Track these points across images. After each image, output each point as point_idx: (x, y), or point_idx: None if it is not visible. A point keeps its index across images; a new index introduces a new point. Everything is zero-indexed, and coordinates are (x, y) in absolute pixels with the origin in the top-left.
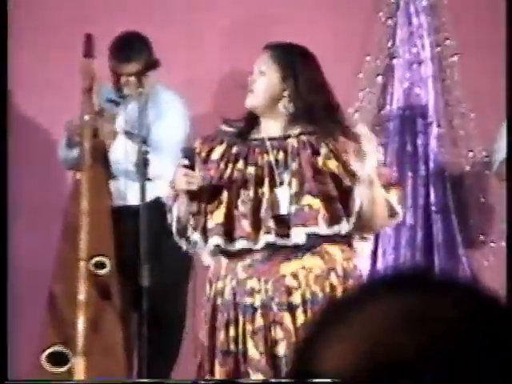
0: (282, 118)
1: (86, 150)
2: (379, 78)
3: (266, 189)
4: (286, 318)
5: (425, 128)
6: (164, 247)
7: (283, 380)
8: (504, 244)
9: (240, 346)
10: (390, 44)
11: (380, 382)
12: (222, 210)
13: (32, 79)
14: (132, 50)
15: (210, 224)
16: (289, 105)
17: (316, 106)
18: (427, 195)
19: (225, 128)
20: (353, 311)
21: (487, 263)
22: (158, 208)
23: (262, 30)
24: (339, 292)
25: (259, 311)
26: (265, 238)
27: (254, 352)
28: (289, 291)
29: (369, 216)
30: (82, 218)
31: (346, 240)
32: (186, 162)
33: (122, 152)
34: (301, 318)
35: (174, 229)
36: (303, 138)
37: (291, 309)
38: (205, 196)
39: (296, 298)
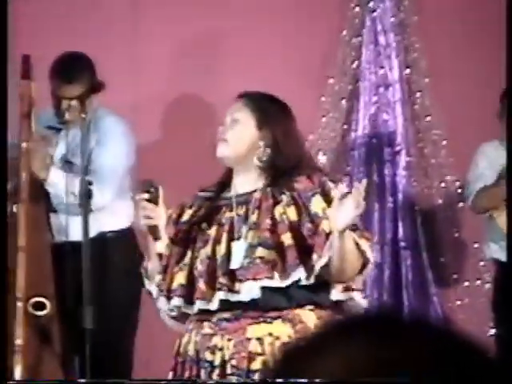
0: (254, 169)
1: (24, 181)
2: (343, 103)
3: (223, 245)
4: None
5: (393, 157)
6: (108, 287)
7: (281, 380)
8: (479, 282)
9: None
10: (354, 65)
11: None
12: (185, 271)
13: None
14: (74, 70)
15: (173, 285)
16: (263, 155)
17: (290, 156)
18: (395, 230)
19: (201, 194)
20: (321, 352)
21: (460, 303)
22: (101, 244)
23: (212, 51)
24: None
25: (217, 371)
26: (217, 296)
27: None
28: (250, 356)
29: (340, 268)
30: (19, 254)
31: (321, 297)
32: (145, 196)
33: (60, 185)
34: None
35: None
36: (267, 189)
37: (247, 375)
38: (172, 257)
39: (256, 365)
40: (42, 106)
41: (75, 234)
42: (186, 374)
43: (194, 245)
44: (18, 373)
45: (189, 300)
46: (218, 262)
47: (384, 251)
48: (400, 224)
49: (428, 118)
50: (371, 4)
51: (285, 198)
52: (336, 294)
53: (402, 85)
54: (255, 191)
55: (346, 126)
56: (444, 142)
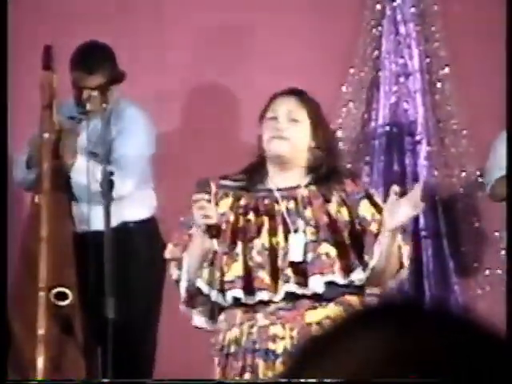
0: (298, 168)
1: (46, 171)
2: (364, 92)
3: (280, 238)
4: None
5: (413, 146)
6: (131, 276)
7: (282, 380)
8: (500, 272)
9: None
10: (375, 55)
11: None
12: (240, 261)
13: None
14: (95, 60)
15: (228, 277)
16: (312, 156)
17: (336, 158)
18: (416, 219)
19: (225, 183)
20: (340, 343)
21: (481, 292)
22: (123, 234)
23: (235, 42)
24: None
25: (280, 358)
26: (284, 288)
27: None
28: None
29: (382, 268)
30: (41, 244)
31: (361, 291)
32: (205, 196)
33: (84, 173)
34: None
35: (182, 291)
36: (312, 187)
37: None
38: (220, 247)
39: None
40: (64, 97)
41: (97, 223)
42: (240, 364)
43: (243, 235)
44: (40, 363)
45: (249, 291)
46: (280, 253)
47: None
48: (421, 213)
49: (448, 108)
50: None
51: (334, 198)
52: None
53: (423, 74)
54: (298, 187)
55: (366, 116)
56: (464, 132)
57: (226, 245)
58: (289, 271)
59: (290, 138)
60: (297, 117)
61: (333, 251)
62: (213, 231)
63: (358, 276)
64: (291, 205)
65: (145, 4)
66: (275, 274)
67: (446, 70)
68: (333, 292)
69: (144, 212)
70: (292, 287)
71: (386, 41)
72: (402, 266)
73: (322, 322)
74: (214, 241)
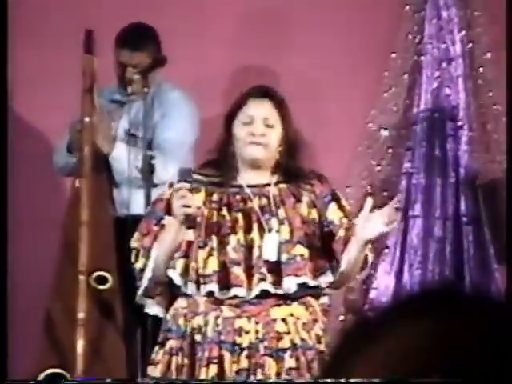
0: (266, 167)
1: (86, 155)
2: (405, 77)
3: (255, 235)
4: (269, 363)
5: (455, 131)
6: None
7: (282, 380)
8: None
9: None
10: (417, 40)
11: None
12: (215, 256)
13: (32, 78)
14: (140, 39)
15: (204, 270)
16: (280, 158)
17: (299, 157)
18: (457, 205)
19: (197, 177)
20: (382, 329)
21: None
22: None
23: (276, 26)
24: (324, 343)
25: (245, 352)
26: (260, 286)
27: None
28: (278, 336)
29: (347, 273)
30: (81, 229)
31: (321, 292)
32: (187, 185)
33: (123, 159)
34: (289, 362)
35: (145, 281)
36: (282, 186)
37: (278, 354)
38: (196, 240)
39: (285, 343)
40: (105, 83)
41: (138, 207)
42: (206, 355)
43: (218, 230)
44: (79, 347)
45: (224, 286)
46: (255, 252)
47: (446, 226)
48: (462, 199)
49: (490, 93)
50: None
51: (305, 199)
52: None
53: (465, 59)
54: (268, 185)
55: (408, 101)
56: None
57: (202, 239)
58: (264, 270)
59: (266, 143)
60: (272, 122)
61: (306, 253)
62: (190, 221)
63: (327, 279)
64: (263, 202)
65: None
66: (250, 271)
67: (489, 55)
68: (300, 292)
69: None
70: (267, 286)
71: (428, 26)
72: (363, 268)
73: (286, 319)
74: (190, 231)
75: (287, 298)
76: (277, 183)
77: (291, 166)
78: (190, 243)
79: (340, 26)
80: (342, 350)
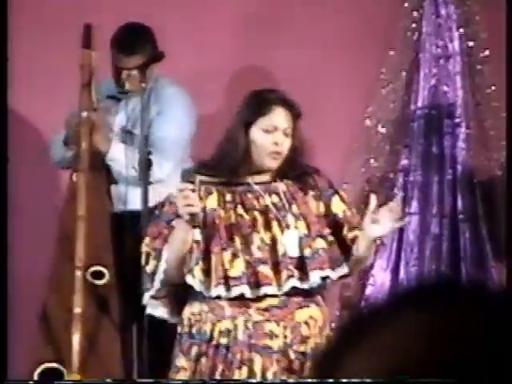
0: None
1: (84, 150)
2: (403, 74)
3: (275, 233)
4: (297, 365)
5: (452, 129)
6: None
7: (282, 380)
8: None
9: None
10: (415, 37)
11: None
12: (241, 257)
13: (30, 73)
14: (135, 43)
15: (233, 272)
16: (284, 163)
17: (303, 155)
18: (454, 202)
19: (205, 179)
20: (377, 325)
21: None
22: None
23: (274, 23)
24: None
25: (274, 356)
26: (289, 283)
27: None
28: (303, 340)
29: (358, 264)
30: (78, 223)
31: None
32: (190, 186)
33: (120, 159)
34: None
35: (157, 283)
36: (288, 182)
37: (304, 357)
38: (213, 244)
39: (308, 347)
40: (103, 76)
41: (134, 203)
42: (238, 357)
43: (239, 231)
44: (76, 342)
45: (253, 286)
46: (280, 249)
47: (442, 223)
48: (459, 196)
49: (488, 91)
50: None
51: (311, 193)
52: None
53: (463, 57)
54: (273, 181)
55: (405, 98)
56: (503, 115)
57: (224, 240)
58: (291, 266)
59: (282, 152)
60: (288, 132)
61: (326, 246)
62: (195, 220)
63: (343, 270)
64: (275, 199)
65: None
66: (277, 268)
67: (487, 52)
68: (319, 287)
69: None
70: (295, 282)
71: (426, 23)
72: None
73: (308, 322)
74: (197, 231)
75: (308, 296)
76: (282, 179)
77: (294, 163)
78: (205, 247)
79: (338, 22)
80: (336, 346)
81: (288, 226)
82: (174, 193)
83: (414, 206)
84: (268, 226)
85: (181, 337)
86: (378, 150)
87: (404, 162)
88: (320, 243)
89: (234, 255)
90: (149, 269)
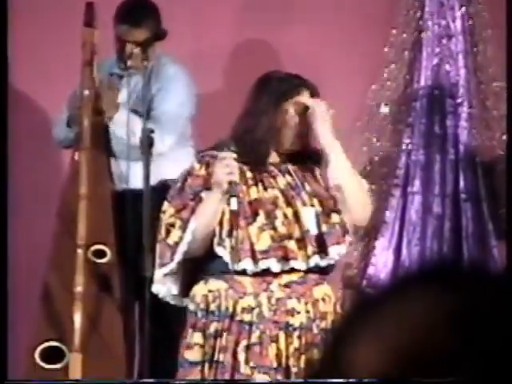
0: None
1: (86, 127)
2: (406, 53)
3: (299, 209)
4: (320, 340)
5: (455, 108)
6: None
7: (283, 380)
8: None
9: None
10: (418, 16)
11: (412, 380)
12: (267, 232)
13: (31, 51)
14: (140, 15)
15: (260, 246)
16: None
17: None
18: (456, 182)
19: (231, 154)
20: (384, 308)
21: None
22: (162, 192)
23: (276, 1)
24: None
25: (297, 333)
26: (314, 258)
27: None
28: (322, 316)
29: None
30: (80, 202)
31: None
32: (233, 155)
33: (124, 126)
34: None
35: (179, 255)
36: (296, 162)
37: (325, 333)
38: (240, 217)
39: (328, 323)
40: (105, 55)
41: (136, 181)
42: (267, 333)
43: (263, 206)
44: (77, 320)
45: (280, 260)
46: (303, 225)
47: (445, 203)
48: (461, 176)
49: (490, 70)
50: None
51: (318, 170)
52: None
53: (465, 36)
54: (282, 162)
55: (408, 77)
56: (505, 94)
57: (249, 214)
58: (314, 242)
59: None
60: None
61: (339, 220)
62: (234, 190)
63: (349, 239)
64: (289, 179)
65: None
66: (301, 244)
67: (489, 31)
68: (332, 266)
69: (182, 170)
70: (318, 259)
71: (428, 2)
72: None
73: (325, 299)
74: (234, 200)
75: (322, 274)
76: (290, 161)
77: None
78: (232, 219)
79: (340, 1)
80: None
81: (305, 204)
82: (216, 162)
83: (417, 185)
84: (289, 203)
85: (194, 314)
86: (380, 129)
87: (406, 141)
88: (335, 218)
89: (260, 229)
90: (171, 240)
